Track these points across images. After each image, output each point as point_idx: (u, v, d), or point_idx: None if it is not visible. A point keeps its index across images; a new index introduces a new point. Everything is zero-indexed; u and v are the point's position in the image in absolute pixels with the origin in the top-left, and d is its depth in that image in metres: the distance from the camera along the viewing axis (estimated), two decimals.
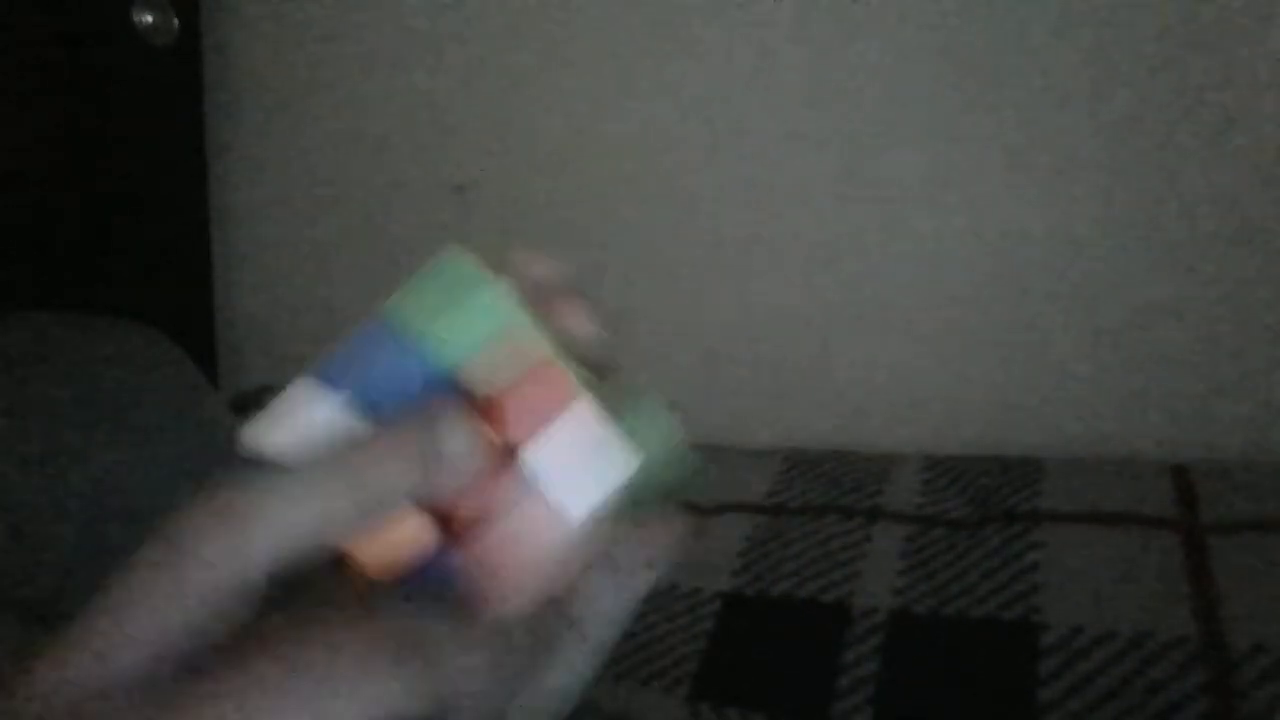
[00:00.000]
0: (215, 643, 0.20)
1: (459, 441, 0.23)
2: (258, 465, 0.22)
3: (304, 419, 0.24)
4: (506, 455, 0.24)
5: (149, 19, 1.04)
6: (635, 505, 0.25)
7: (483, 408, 0.24)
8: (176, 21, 1.07)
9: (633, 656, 0.67)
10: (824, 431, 0.94)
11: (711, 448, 0.92)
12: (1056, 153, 0.84)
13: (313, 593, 0.22)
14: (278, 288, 1.18)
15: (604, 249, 1.01)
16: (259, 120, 1.15)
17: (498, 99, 1.03)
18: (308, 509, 0.21)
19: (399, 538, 0.23)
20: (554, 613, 0.26)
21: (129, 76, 1.04)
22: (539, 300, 0.27)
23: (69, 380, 0.68)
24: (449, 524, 0.23)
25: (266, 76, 1.14)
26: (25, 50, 0.95)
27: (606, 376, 0.28)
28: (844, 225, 0.92)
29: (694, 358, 0.99)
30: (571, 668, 0.27)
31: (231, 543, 0.20)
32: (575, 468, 0.24)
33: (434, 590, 0.23)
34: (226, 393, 1.13)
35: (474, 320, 0.25)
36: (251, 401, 0.26)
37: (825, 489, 0.80)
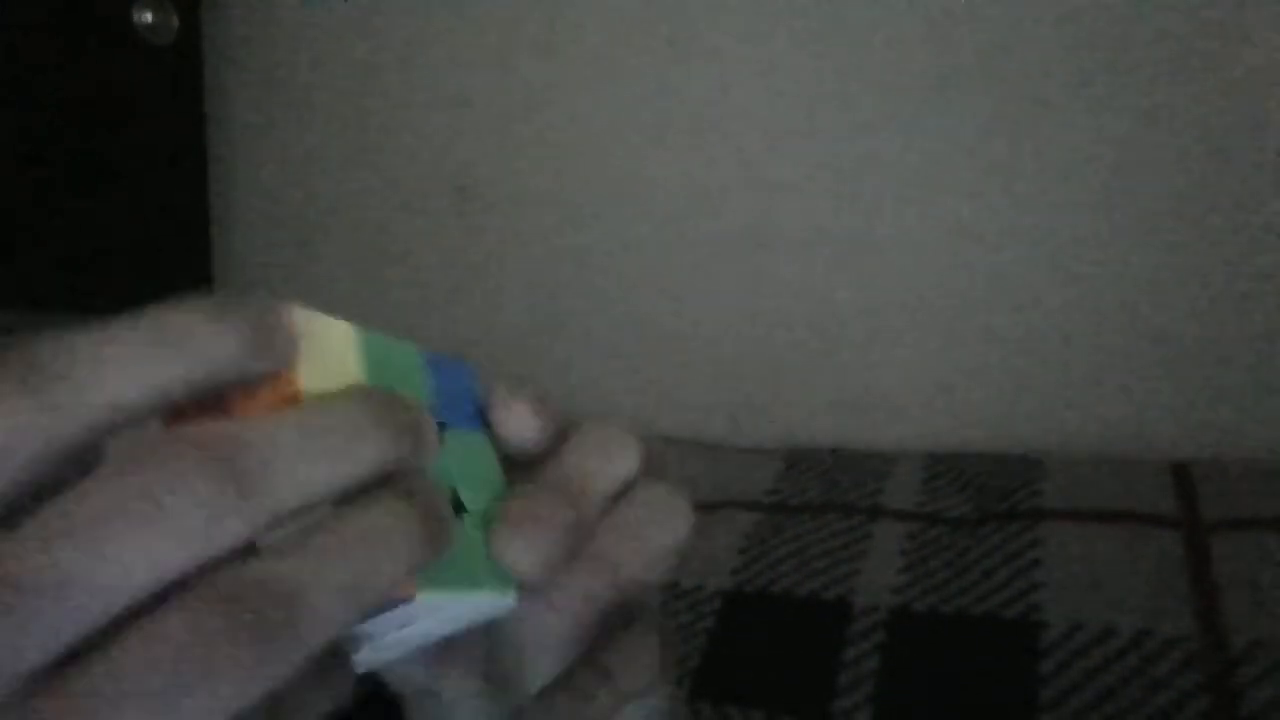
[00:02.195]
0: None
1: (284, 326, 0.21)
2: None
3: None
4: None
5: (149, 18, 1.04)
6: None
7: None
8: (176, 20, 1.07)
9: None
10: (824, 429, 0.94)
11: (711, 446, 0.92)
12: (1057, 152, 0.84)
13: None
14: (278, 288, 1.18)
15: (603, 249, 1.01)
16: (259, 120, 1.15)
17: (498, 99, 1.03)
18: (131, 372, 0.19)
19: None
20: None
21: (129, 76, 1.04)
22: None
23: None
24: None
25: (266, 76, 1.14)
26: (25, 49, 0.96)
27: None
28: (844, 224, 0.92)
29: (694, 356, 0.99)
30: None
31: (39, 401, 0.18)
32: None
33: None
34: None
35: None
36: None
37: (825, 486, 0.80)
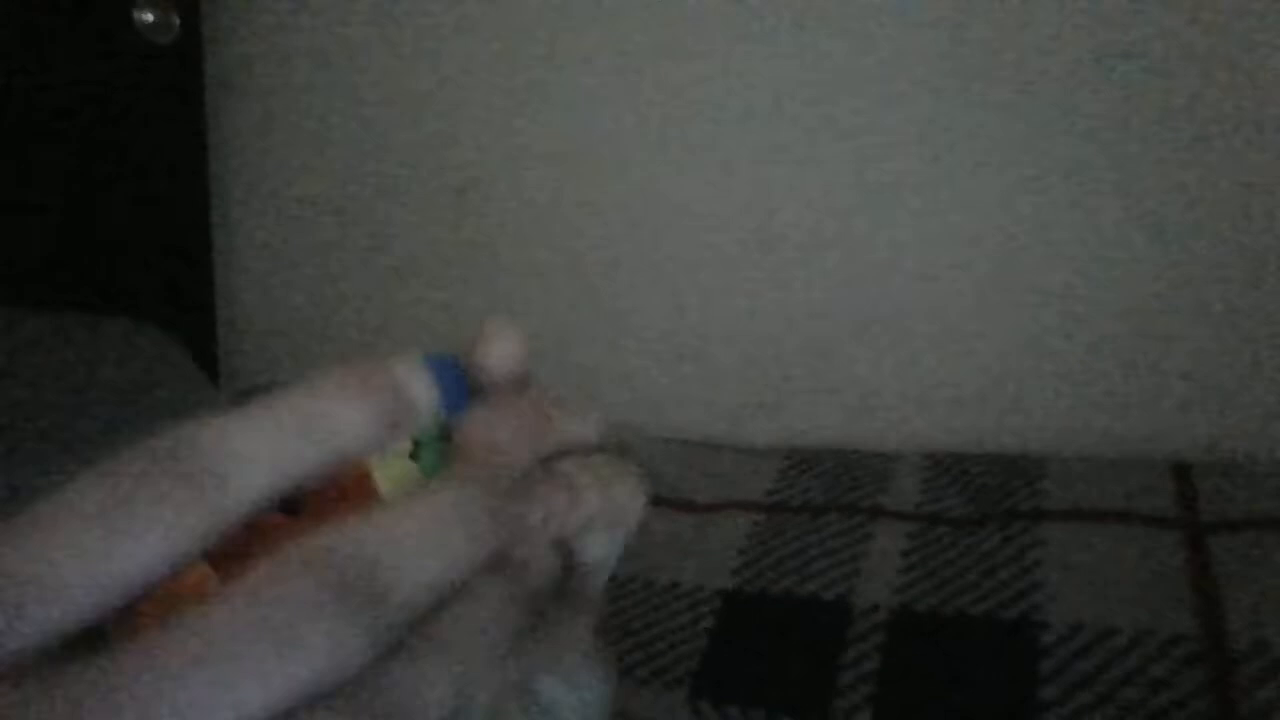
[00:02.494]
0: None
1: (426, 393, 0.22)
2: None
3: None
4: None
5: (149, 18, 1.04)
6: None
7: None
8: (177, 20, 1.07)
9: (633, 654, 0.67)
10: (825, 430, 0.94)
11: (712, 447, 0.92)
12: (1057, 155, 0.84)
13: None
14: (278, 287, 1.18)
15: (603, 249, 1.01)
16: (259, 120, 1.15)
17: (498, 99, 1.03)
18: (267, 450, 0.19)
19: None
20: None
21: (129, 75, 1.04)
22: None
23: (69, 377, 0.68)
24: None
25: (266, 76, 1.14)
26: (26, 49, 0.96)
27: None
28: (844, 225, 0.92)
29: (695, 357, 0.99)
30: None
31: (207, 506, 0.18)
32: None
33: None
34: (227, 392, 1.13)
35: None
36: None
37: (826, 487, 0.80)
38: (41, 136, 0.98)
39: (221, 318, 1.19)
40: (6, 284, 0.95)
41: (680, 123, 0.96)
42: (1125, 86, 0.81)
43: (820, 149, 0.92)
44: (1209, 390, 0.82)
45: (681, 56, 0.95)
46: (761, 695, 0.63)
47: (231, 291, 1.19)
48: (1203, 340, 0.82)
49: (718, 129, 0.95)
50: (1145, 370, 0.84)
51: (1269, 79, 0.77)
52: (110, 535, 0.17)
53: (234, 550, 0.20)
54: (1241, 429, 0.81)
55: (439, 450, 0.26)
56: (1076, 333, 0.85)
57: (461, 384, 0.27)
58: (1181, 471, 0.73)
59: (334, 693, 0.17)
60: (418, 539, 0.19)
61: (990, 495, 0.75)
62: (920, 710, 0.60)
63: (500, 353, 0.26)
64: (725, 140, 0.95)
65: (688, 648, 0.66)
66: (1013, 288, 0.87)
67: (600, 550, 0.27)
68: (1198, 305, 0.81)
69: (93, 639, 0.18)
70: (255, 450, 0.19)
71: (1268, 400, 0.80)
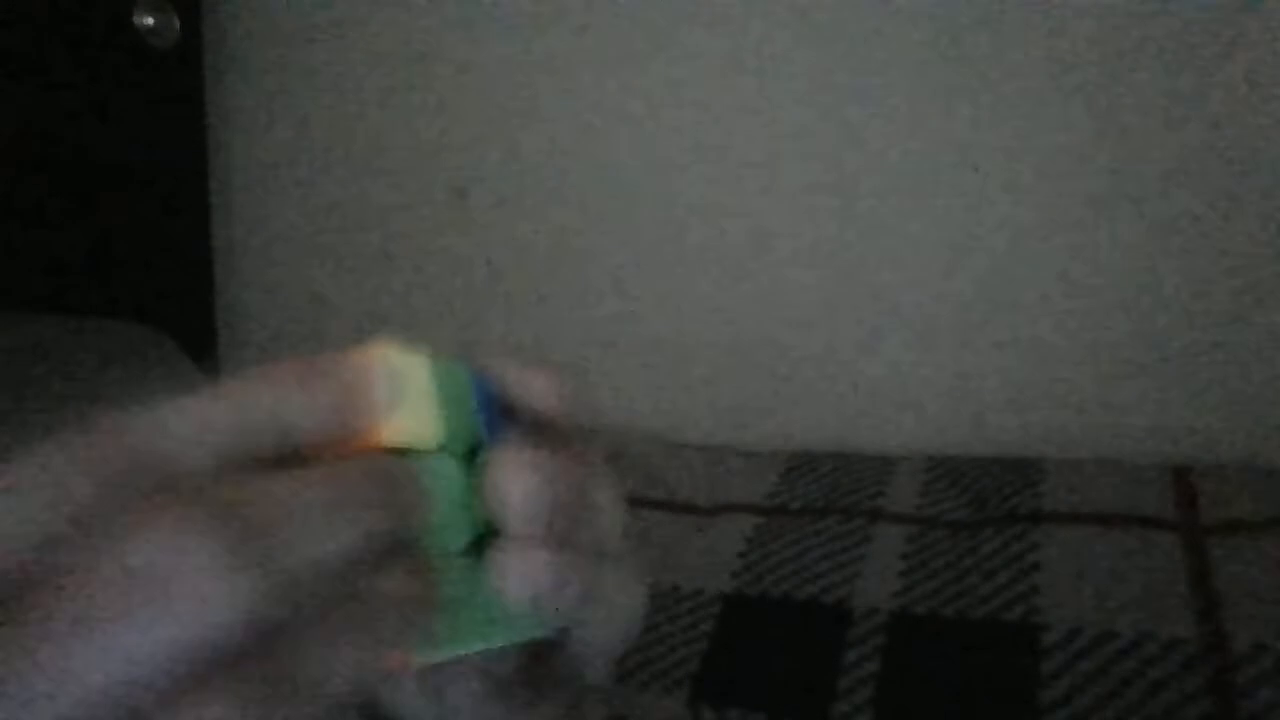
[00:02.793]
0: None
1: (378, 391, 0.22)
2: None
3: None
4: None
5: (150, 21, 1.04)
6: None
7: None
8: (178, 24, 1.07)
9: (633, 657, 0.67)
10: (824, 432, 0.94)
11: (711, 450, 0.92)
12: (1056, 157, 0.84)
13: None
14: (278, 287, 1.18)
15: (603, 251, 1.01)
16: (259, 121, 1.15)
17: (497, 100, 1.03)
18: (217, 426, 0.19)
19: None
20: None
21: (130, 79, 1.04)
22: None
23: (69, 380, 0.68)
24: None
25: (266, 77, 1.14)
26: (27, 52, 0.96)
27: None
28: (844, 229, 0.92)
29: (695, 359, 0.99)
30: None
31: (250, 580, 0.18)
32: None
33: None
34: None
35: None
36: None
37: (825, 490, 0.80)
38: (42, 140, 0.98)
39: (221, 319, 1.19)
40: (6, 287, 0.95)
41: (680, 124, 0.96)
42: (1124, 86, 0.81)
43: (820, 150, 0.92)
44: (1209, 392, 0.82)
45: (682, 57, 0.95)
46: (762, 698, 0.63)
47: (231, 293, 1.19)
48: (1203, 341, 0.82)
49: (717, 130, 0.95)
50: (1144, 372, 0.84)
51: (1270, 78, 0.77)
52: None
53: None
54: (1241, 431, 0.81)
55: (462, 464, 0.25)
56: (1076, 335, 0.85)
57: (491, 403, 0.26)
58: (1181, 474, 0.73)
59: (224, 660, 0.17)
60: (322, 506, 0.19)
61: (990, 498, 0.75)
62: (920, 713, 0.60)
63: (542, 390, 0.26)
64: (725, 142, 0.95)
65: (688, 650, 0.66)
66: (1012, 289, 0.87)
67: (601, 635, 0.26)
68: (1198, 306, 0.81)
69: None
70: (192, 436, 0.19)
71: (1268, 402, 0.80)
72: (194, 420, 0.19)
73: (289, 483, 0.19)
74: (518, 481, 0.24)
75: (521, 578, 0.23)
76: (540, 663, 0.28)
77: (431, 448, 0.23)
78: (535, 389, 0.26)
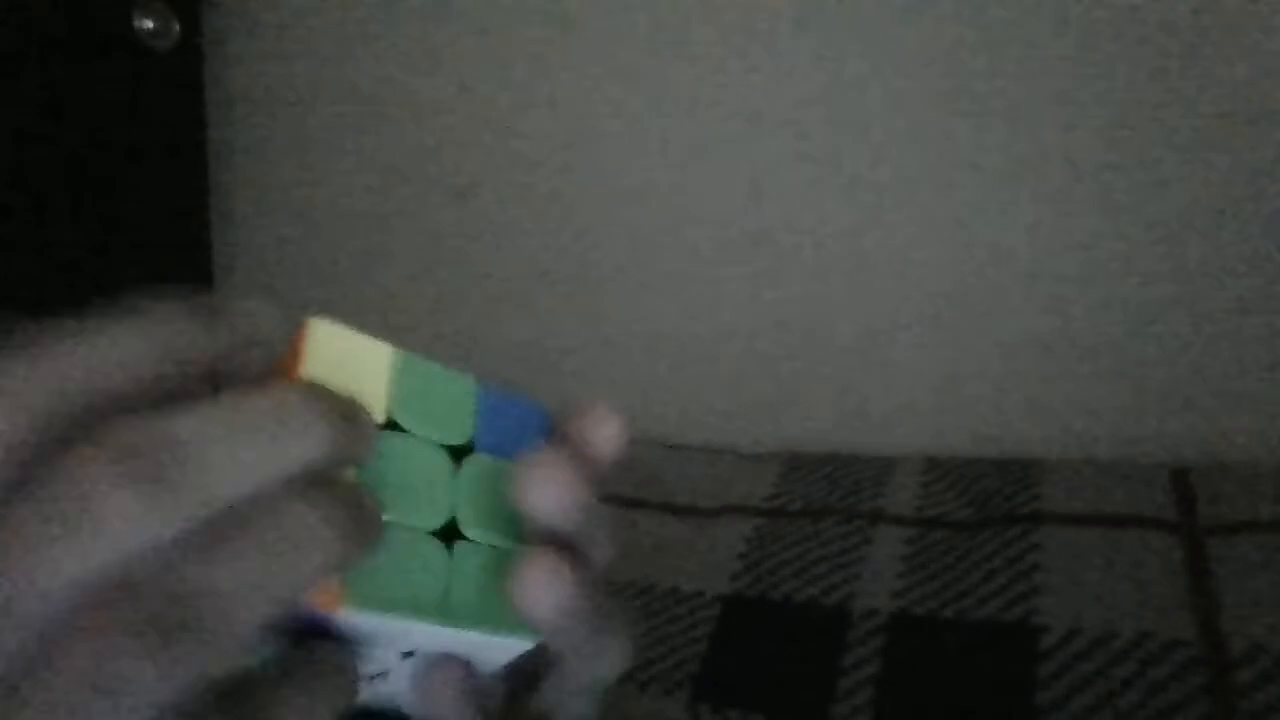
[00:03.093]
0: None
1: (265, 317, 0.22)
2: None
3: None
4: None
5: (150, 24, 1.04)
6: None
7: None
8: (177, 26, 1.07)
9: (634, 659, 0.67)
10: (824, 434, 0.94)
11: (711, 451, 0.92)
12: (1056, 153, 0.84)
13: None
14: (278, 288, 1.18)
15: (603, 253, 1.01)
16: (259, 123, 1.15)
17: (498, 101, 1.03)
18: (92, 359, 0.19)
19: None
20: None
21: (130, 81, 1.04)
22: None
23: None
24: None
25: (266, 79, 1.14)
26: (27, 55, 0.96)
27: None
28: (844, 230, 0.92)
29: (694, 361, 0.99)
30: None
31: (147, 505, 0.18)
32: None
33: None
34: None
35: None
36: None
37: (825, 491, 0.80)
38: (42, 142, 0.99)
39: None
40: (6, 287, 0.95)
41: (681, 124, 0.96)
42: (1124, 86, 0.81)
43: (820, 152, 0.92)
44: (1208, 393, 0.82)
45: (682, 58, 0.95)
46: (762, 699, 0.63)
47: (231, 291, 1.20)
48: (1202, 342, 0.82)
49: (718, 131, 0.95)
50: (1144, 373, 0.84)
51: (1269, 78, 0.77)
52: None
53: None
54: (1240, 431, 0.81)
55: (499, 472, 0.26)
56: (1075, 335, 0.85)
57: (525, 431, 0.27)
58: (1180, 475, 0.73)
59: (125, 587, 0.18)
60: (231, 426, 0.19)
61: (989, 499, 0.75)
62: (920, 714, 0.60)
63: (609, 436, 0.26)
64: (725, 143, 0.95)
65: (688, 652, 0.67)
66: (1011, 290, 0.87)
67: (587, 671, 0.27)
68: (1198, 306, 0.81)
69: None
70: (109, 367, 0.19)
71: (1267, 402, 0.80)
72: (109, 352, 0.19)
73: (205, 408, 0.19)
74: (559, 488, 0.24)
75: (541, 577, 0.23)
76: (517, 698, 0.28)
77: (378, 420, 0.24)
78: (603, 433, 0.26)
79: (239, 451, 0.19)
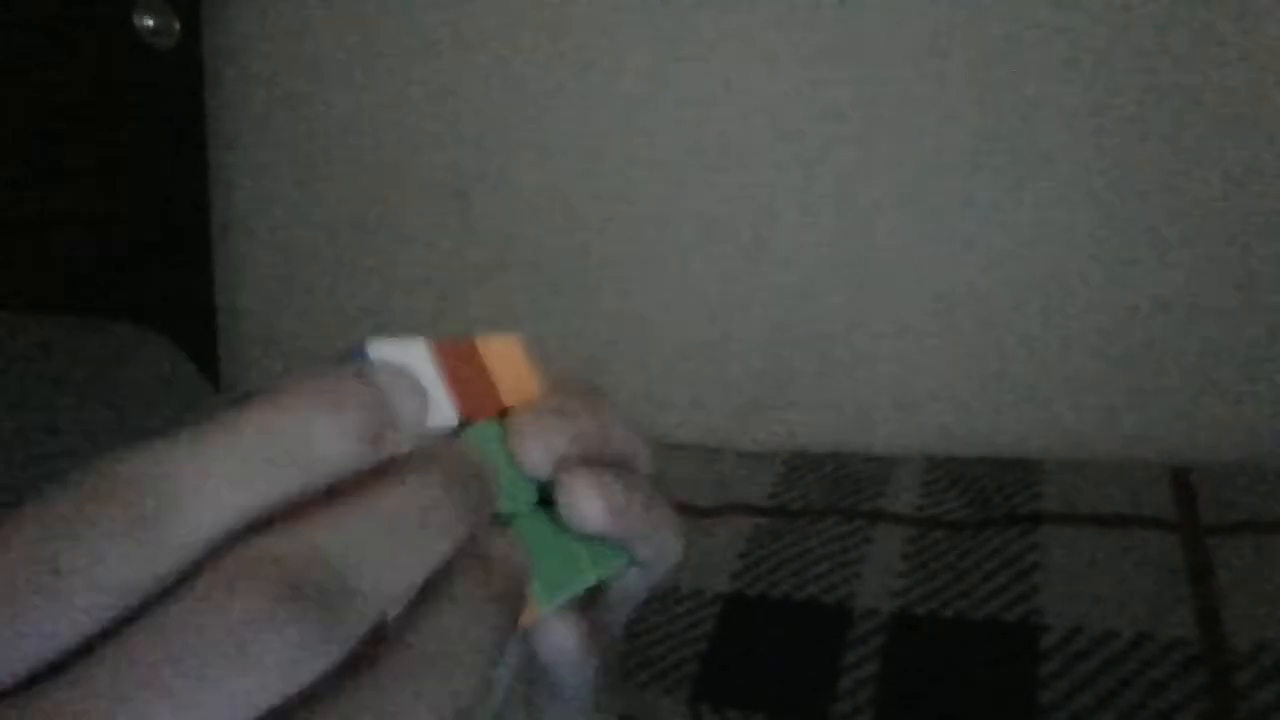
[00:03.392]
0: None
1: (411, 400, 0.20)
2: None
3: None
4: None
5: (150, 22, 1.04)
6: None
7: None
8: (178, 25, 1.07)
9: (633, 658, 0.67)
10: (825, 433, 0.94)
11: (711, 450, 0.92)
12: (1055, 153, 0.84)
13: None
14: (278, 287, 1.18)
15: (603, 253, 1.01)
16: (259, 121, 1.15)
17: (498, 100, 1.03)
18: (236, 485, 0.17)
19: None
20: None
21: (130, 80, 1.04)
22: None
23: (69, 380, 0.68)
24: None
25: (266, 77, 1.14)
26: (26, 53, 0.96)
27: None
28: (844, 230, 0.92)
29: (694, 360, 0.99)
30: None
31: (137, 534, 0.16)
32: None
33: None
34: (227, 393, 1.13)
35: None
36: None
37: (826, 491, 0.80)
38: (41, 141, 0.98)
39: (222, 321, 1.19)
40: (6, 287, 0.95)
41: (681, 124, 0.96)
42: (1124, 87, 0.81)
43: (821, 152, 0.92)
44: (1208, 392, 0.82)
45: (683, 58, 0.95)
46: (762, 699, 0.63)
47: (231, 291, 1.19)
48: (1202, 341, 0.82)
49: (718, 130, 0.95)
50: (1144, 372, 0.84)
51: (1269, 78, 0.77)
52: (27, 602, 0.15)
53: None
54: (1241, 431, 0.81)
55: (490, 436, 0.26)
56: (1075, 335, 0.85)
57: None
58: (1180, 474, 0.73)
59: (301, 706, 0.16)
60: (377, 535, 0.18)
61: (990, 498, 0.75)
62: (920, 713, 0.60)
63: (645, 455, 0.28)
64: (725, 142, 0.95)
65: (688, 651, 0.66)
66: (1011, 290, 0.87)
67: (644, 575, 0.28)
68: (1198, 306, 0.81)
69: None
70: (210, 481, 0.17)
71: (1268, 402, 0.80)
72: (214, 464, 0.17)
73: (347, 516, 0.18)
74: (553, 433, 0.25)
75: (590, 499, 0.24)
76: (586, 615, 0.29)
77: (454, 423, 0.24)
78: (643, 454, 0.28)
79: (391, 565, 0.18)
